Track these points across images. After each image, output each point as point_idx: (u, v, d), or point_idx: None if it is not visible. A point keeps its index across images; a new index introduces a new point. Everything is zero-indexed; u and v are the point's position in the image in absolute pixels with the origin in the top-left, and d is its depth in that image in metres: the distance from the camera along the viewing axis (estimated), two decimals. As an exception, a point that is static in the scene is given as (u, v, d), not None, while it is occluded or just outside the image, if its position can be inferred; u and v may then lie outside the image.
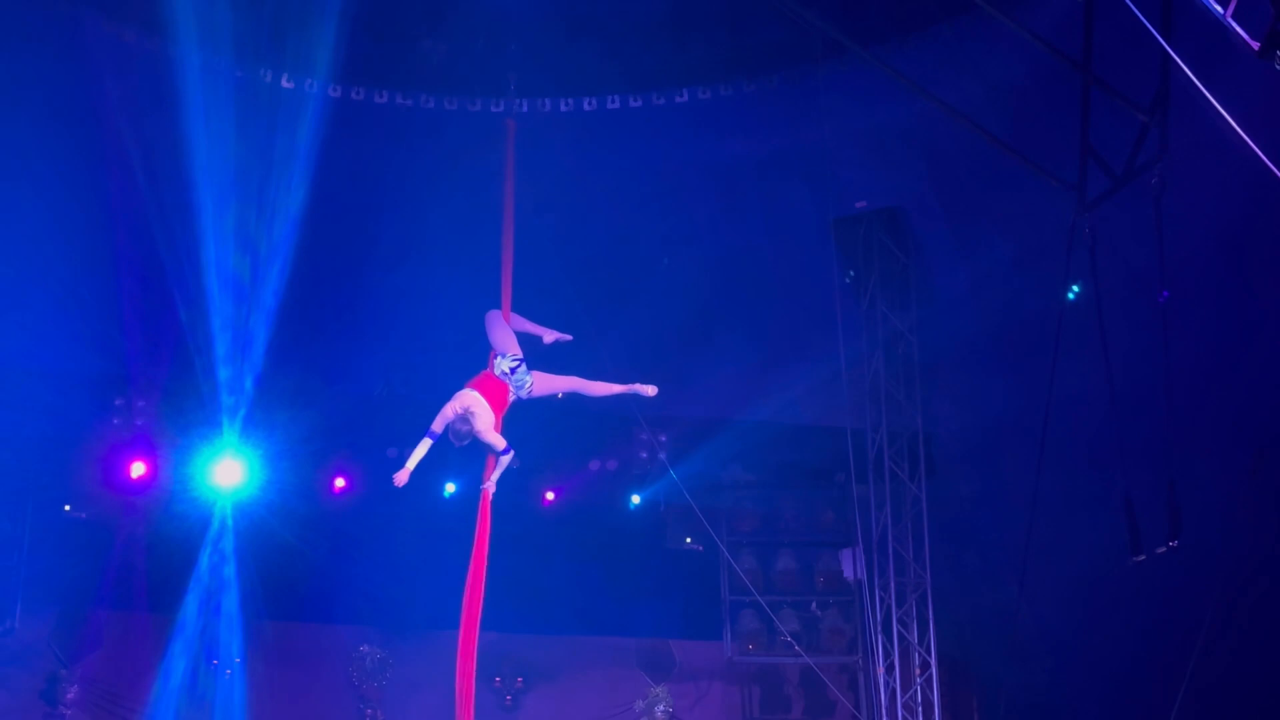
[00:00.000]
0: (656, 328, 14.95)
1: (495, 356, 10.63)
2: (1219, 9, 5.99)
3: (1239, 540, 12.23)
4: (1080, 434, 12.44)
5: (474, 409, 10.12)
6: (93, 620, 14.82)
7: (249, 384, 14.32)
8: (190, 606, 14.97)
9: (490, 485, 10.43)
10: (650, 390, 10.73)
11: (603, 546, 16.31)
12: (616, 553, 16.39)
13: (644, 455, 15.97)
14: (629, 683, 16.37)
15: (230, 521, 14.99)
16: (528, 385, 10.49)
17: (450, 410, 10.09)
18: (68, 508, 15.57)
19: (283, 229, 13.67)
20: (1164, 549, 9.71)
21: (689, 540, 16.66)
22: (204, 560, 14.91)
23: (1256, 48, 6.01)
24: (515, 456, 10.50)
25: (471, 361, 10.66)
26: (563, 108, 13.75)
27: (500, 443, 10.26)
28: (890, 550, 15.19)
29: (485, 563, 10.32)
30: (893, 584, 15.15)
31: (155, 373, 14.16)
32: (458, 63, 13.55)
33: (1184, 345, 10.15)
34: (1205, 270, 11.70)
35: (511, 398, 10.43)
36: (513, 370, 10.49)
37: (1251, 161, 7.09)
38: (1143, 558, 9.89)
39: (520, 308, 11.01)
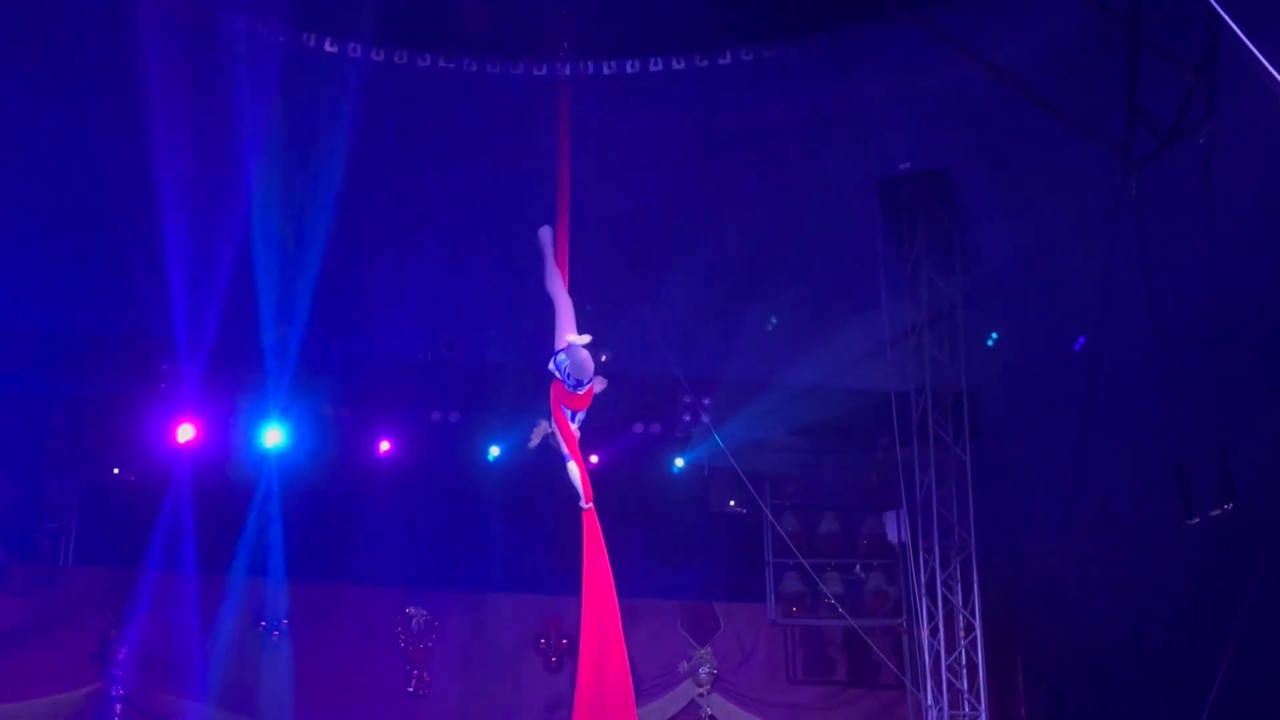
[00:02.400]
0: (700, 291, 14.92)
1: None
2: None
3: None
4: (1127, 395, 12.35)
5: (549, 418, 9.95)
6: (142, 582, 14.92)
7: (295, 347, 14.42)
8: (238, 568, 15.09)
9: (585, 503, 9.80)
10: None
11: (646, 510, 16.29)
12: (660, 516, 16.40)
13: (687, 418, 15.95)
14: (673, 644, 16.41)
15: (276, 484, 15.08)
16: (567, 365, 9.76)
17: None
18: (117, 470, 15.77)
19: (327, 193, 13.73)
20: (1218, 512, 9.57)
21: (732, 503, 16.66)
22: (251, 522, 15.02)
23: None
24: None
25: (518, 327, 10.54)
26: (605, 70, 13.70)
27: (562, 448, 9.85)
28: (934, 513, 15.13)
29: (611, 584, 9.79)
30: (937, 547, 15.10)
31: (202, 337, 14.23)
32: (500, 26, 13.51)
33: (1234, 305, 10.05)
34: (1254, 231, 11.56)
35: (573, 387, 9.79)
36: (556, 364, 9.89)
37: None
38: (1196, 520, 9.75)
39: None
